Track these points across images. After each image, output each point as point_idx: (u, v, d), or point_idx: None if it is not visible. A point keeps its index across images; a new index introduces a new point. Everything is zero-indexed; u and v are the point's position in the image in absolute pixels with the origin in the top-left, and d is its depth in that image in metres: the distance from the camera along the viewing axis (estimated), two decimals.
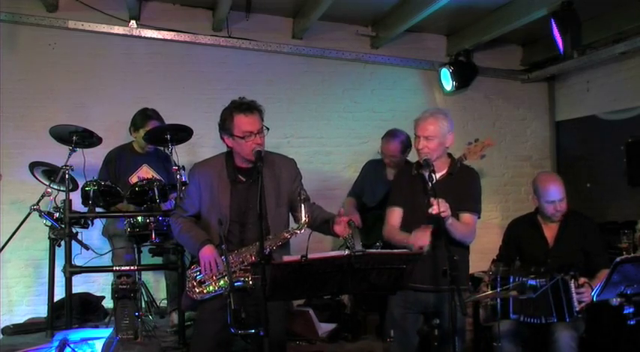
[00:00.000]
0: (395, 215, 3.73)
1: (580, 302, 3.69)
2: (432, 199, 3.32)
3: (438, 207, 3.26)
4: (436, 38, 6.34)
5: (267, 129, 3.37)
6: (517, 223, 4.29)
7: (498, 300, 3.73)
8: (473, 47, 6.08)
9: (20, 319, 5.09)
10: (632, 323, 3.39)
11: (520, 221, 4.29)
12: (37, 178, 4.55)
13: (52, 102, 5.57)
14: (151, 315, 4.74)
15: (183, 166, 4.43)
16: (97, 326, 4.41)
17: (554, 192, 3.98)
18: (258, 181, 3.16)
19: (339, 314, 5.01)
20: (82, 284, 5.06)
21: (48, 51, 5.62)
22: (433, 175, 3.39)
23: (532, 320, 3.73)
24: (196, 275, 3.35)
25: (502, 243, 4.28)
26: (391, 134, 4.99)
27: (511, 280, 3.69)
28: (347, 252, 2.81)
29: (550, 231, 4.07)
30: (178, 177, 4.37)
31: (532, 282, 3.67)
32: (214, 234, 3.33)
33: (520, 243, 4.14)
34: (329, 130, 6.13)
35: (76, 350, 3.24)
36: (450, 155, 3.71)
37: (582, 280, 3.73)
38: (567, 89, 6.32)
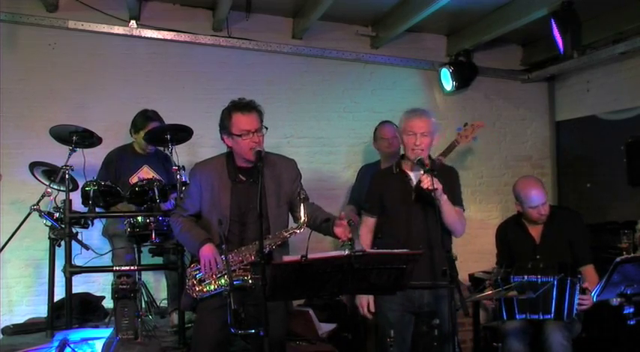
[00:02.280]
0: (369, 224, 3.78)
1: (580, 306, 3.74)
2: (422, 174, 3.35)
3: (432, 182, 3.28)
4: (436, 38, 6.33)
5: (266, 128, 3.37)
6: (504, 226, 4.37)
7: (502, 302, 3.74)
8: (473, 47, 6.07)
9: (20, 319, 5.08)
10: (632, 323, 3.40)
11: (506, 224, 4.37)
12: (37, 178, 4.55)
13: (52, 102, 5.55)
14: (151, 315, 4.73)
15: (183, 166, 4.42)
16: (97, 326, 4.40)
17: (536, 198, 4.03)
18: (259, 181, 3.16)
19: (339, 314, 5.01)
20: (82, 284, 5.05)
21: (48, 51, 5.60)
22: (432, 174, 3.38)
23: (532, 316, 3.75)
24: (196, 274, 3.36)
25: (497, 249, 4.32)
26: (383, 122, 5.20)
27: (512, 280, 3.71)
28: (347, 251, 2.81)
29: (536, 229, 4.14)
30: (178, 177, 4.36)
31: (533, 279, 3.69)
32: (215, 233, 3.34)
33: (510, 245, 4.20)
34: (329, 130, 6.12)
35: (76, 350, 3.23)
36: (429, 156, 3.70)
37: (585, 284, 3.76)
38: (567, 89, 6.30)
